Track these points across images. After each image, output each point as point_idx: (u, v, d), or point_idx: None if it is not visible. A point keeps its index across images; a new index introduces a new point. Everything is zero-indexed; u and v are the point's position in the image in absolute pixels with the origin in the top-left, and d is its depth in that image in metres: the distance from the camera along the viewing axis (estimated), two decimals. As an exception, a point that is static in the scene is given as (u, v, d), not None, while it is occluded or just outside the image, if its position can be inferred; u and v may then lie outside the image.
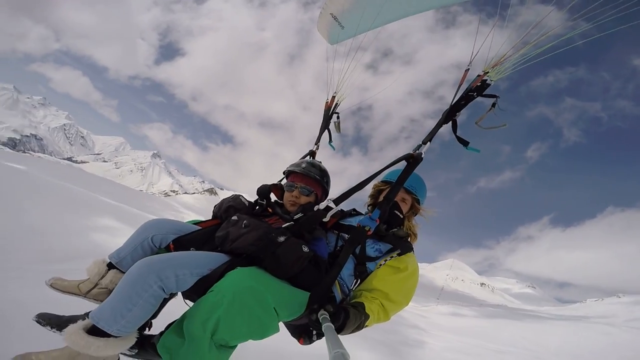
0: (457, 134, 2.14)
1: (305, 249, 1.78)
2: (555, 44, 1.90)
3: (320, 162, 2.51)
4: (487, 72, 2.04)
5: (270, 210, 2.30)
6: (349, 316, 1.71)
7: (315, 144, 2.97)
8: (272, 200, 2.38)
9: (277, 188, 2.41)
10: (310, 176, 2.27)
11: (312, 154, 2.92)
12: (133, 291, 1.48)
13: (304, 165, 2.31)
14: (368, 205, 2.50)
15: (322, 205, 2.02)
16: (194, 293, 1.65)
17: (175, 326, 1.59)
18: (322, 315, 1.64)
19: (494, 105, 2.06)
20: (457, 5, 2.86)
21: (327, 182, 2.39)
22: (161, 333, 1.64)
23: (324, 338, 1.69)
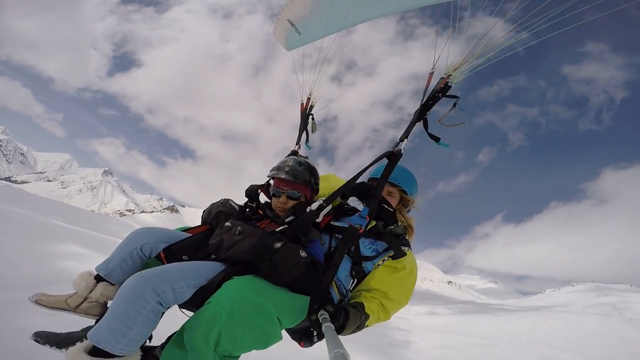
0: (429, 132, 2.26)
1: (303, 254, 1.76)
2: (499, 51, 2.15)
3: (306, 158, 2.49)
4: (450, 75, 2.19)
5: (261, 212, 2.28)
6: (349, 316, 1.74)
7: (297, 144, 3.04)
8: (262, 202, 2.36)
9: (265, 189, 2.37)
10: (296, 180, 2.17)
11: (294, 153, 2.94)
12: (130, 309, 1.43)
13: (287, 168, 2.19)
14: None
15: (314, 206, 2.00)
16: (191, 304, 1.64)
17: (176, 338, 1.56)
18: (322, 315, 1.66)
19: (454, 105, 2.21)
20: (415, 17, 3.09)
21: (316, 181, 2.33)
22: (162, 345, 1.61)
23: (324, 339, 1.73)
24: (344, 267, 2.09)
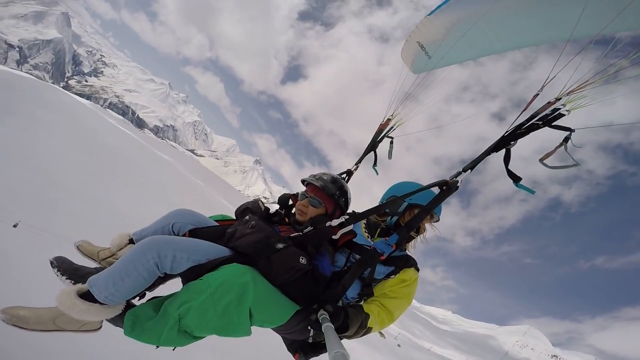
0: (508, 167, 1.89)
1: (303, 260, 1.76)
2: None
3: (342, 178, 2.41)
4: (560, 99, 1.76)
5: (287, 219, 2.32)
6: (349, 315, 1.77)
7: (355, 164, 2.86)
8: (293, 210, 2.36)
9: (296, 198, 2.37)
10: (324, 190, 2.17)
11: (349, 173, 2.82)
12: (131, 262, 1.55)
13: (319, 176, 2.24)
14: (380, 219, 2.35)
15: (335, 222, 1.95)
16: (186, 278, 1.70)
17: (157, 301, 1.64)
18: (322, 315, 1.65)
19: (566, 140, 1.77)
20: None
21: (345, 201, 2.28)
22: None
23: (319, 355, 1.80)
24: (354, 288, 2.03)
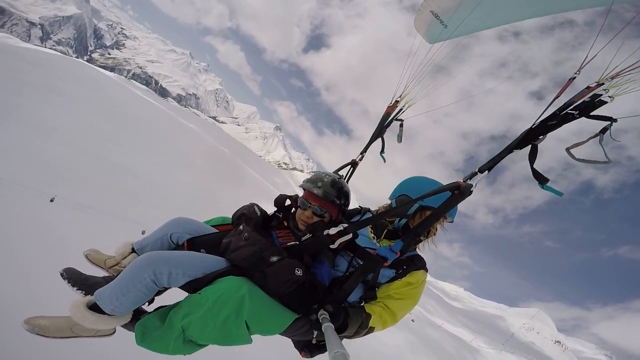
0: (534, 166, 1.60)
1: (299, 272, 1.75)
2: None
3: (341, 178, 2.30)
4: (601, 84, 1.50)
5: (285, 223, 2.25)
6: (350, 315, 1.77)
7: (361, 154, 2.72)
8: (292, 211, 2.31)
9: (294, 199, 2.32)
10: (326, 199, 2.10)
11: (353, 164, 2.71)
12: (130, 280, 1.63)
13: (320, 184, 2.13)
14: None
15: (333, 231, 1.88)
16: (186, 290, 1.79)
17: (163, 311, 1.71)
18: (322, 315, 1.65)
19: (604, 130, 1.54)
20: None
21: (346, 204, 2.22)
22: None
23: (325, 353, 1.75)
24: (357, 292, 1.98)
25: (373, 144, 2.80)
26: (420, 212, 2.07)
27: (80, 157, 9.73)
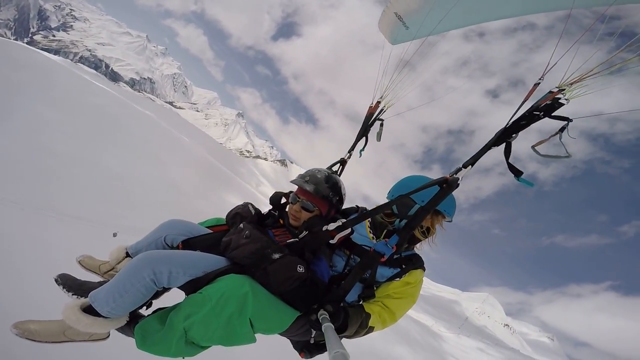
0: (509, 161, 1.81)
1: (300, 269, 1.75)
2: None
3: (334, 173, 2.35)
4: (562, 90, 1.71)
5: (281, 221, 2.25)
6: (349, 315, 1.77)
7: (349, 152, 2.79)
8: (286, 209, 2.30)
9: (288, 197, 2.32)
10: (316, 193, 2.10)
11: (342, 162, 2.74)
12: (128, 280, 1.58)
13: (308, 178, 2.15)
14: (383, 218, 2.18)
15: (332, 226, 1.89)
16: (185, 291, 1.75)
17: (162, 313, 1.67)
18: (322, 315, 1.64)
19: (562, 129, 1.72)
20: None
21: (340, 199, 2.22)
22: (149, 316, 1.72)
23: (325, 353, 1.75)
24: (354, 291, 1.97)
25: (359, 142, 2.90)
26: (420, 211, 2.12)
27: (26, 150, 8.90)
